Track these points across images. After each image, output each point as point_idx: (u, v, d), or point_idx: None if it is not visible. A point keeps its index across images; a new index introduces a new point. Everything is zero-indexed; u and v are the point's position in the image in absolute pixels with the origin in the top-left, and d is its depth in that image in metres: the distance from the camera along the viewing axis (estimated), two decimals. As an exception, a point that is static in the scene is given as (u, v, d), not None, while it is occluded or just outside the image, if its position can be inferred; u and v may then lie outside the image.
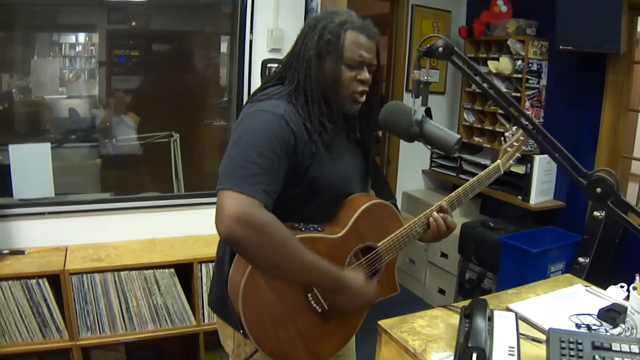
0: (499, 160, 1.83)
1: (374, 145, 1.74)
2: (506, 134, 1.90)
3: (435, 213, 1.65)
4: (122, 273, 2.64)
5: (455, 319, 1.57)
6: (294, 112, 1.46)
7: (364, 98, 1.57)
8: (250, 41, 3.11)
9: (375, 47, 1.56)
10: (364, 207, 1.55)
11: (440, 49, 1.35)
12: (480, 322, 1.35)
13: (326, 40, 1.49)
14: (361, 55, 1.51)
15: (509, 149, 1.86)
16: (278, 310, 1.43)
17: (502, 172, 1.83)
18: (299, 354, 1.49)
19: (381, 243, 1.59)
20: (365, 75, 1.53)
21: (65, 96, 4.37)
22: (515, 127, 1.88)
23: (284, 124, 1.41)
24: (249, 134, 1.39)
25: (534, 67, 3.73)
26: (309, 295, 1.47)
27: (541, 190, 3.71)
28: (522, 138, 1.86)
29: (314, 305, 1.48)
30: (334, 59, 1.49)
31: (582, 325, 1.56)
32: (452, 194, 1.71)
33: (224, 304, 1.52)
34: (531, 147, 3.68)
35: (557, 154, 1.28)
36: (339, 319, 1.55)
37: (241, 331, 1.45)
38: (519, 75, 3.76)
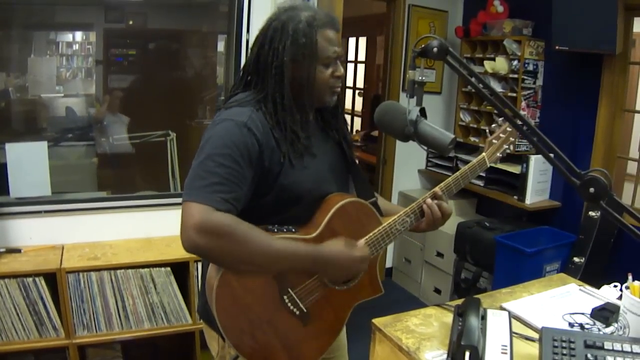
0: (484, 153, 1.78)
1: (347, 139, 1.70)
2: (492, 125, 1.86)
3: (429, 200, 1.60)
4: (118, 272, 2.64)
5: (449, 317, 1.58)
6: (260, 119, 1.43)
7: (339, 89, 1.57)
8: (247, 41, 3.11)
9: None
10: (337, 205, 1.51)
11: (435, 49, 1.36)
12: (473, 321, 1.36)
13: (301, 44, 1.46)
14: (335, 51, 1.51)
15: (495, 141, 1.80)
16: (254, 313, 1.41)
17: (488, 166, 1.78)
18: (279, 358, 1.47)
19: (359, 242, 1.55)
20: (340, 70, 1.54)
21: (62, 95, 4.37)
22: (502, 119, 1.83)
23: (245, 131, 1.38)
24: (209, 144, 1.38)
25: (530, 68, 3.74)
26: (285, 297, 1.45)
27: (537, 190, 3.72)
28: (509, 129, 1.79)
29: (291, 307, 1.46)
30: (310, 61, 1.47)
31: (575, 324, 1.57)
32: (446, 180, 1.66)
33: (208, 311, 1.50)
34: (527, 147, 3.69)
35: (550, 154, 1.29)
36: (320, 322, 1.53)
37: (221, 337, 1.44)
38: (515, 76, 3.77)
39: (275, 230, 1.45)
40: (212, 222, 1.27)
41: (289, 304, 1.46)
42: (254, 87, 1.51)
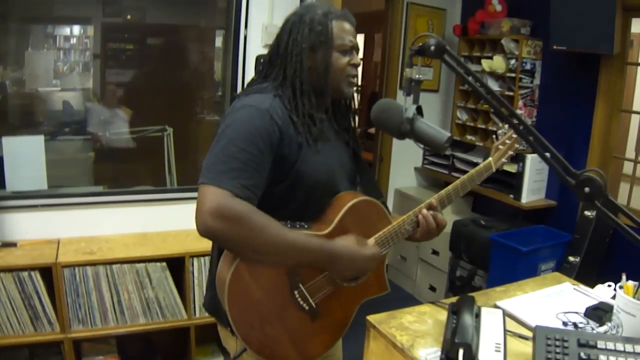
0: (490, 158, 1.82)
1: (356, 137, 1.75)
2: (499, 131, 1.89)
3: (424, 210, 1.63)
4: (114, 266, 2.64)
5: (443, 315, 1.58)
6: (280, 106, 1.47)
7: (356, 80, 1.61)
8: (245, 36, 3.12)
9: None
10: (350, 204, 1.54)
11: (432, 47, 1.35)
12: (467, 319, 1.36)
13: (317, 32, 1.52)
14: (350, 40, 1.57)
15: (500, 147, 1.85)
16: (264, 308, 1.43)
17: (494, 170, 1.82)
18: (286, 352, 1.48)
19: (369, 241, 1.58)
20: (357, 59, 1.60)
21: (59, 89, 4.36)
22: (508, 125, 1.88)
23: (268, 118, 1.42)
24: (232, 129, 1.40)
25: (528, 67, 3.74)
26: (296, 292, 1.46)
27: (533, 189, 3.73)
28: (514, 136, 1.84)
29: (301, 302, 1.48)
30: (326, 48, 1.52)
31: (569, 323, 1.57)
32: (442, 191, 1.69)
33: (217, 305, 1.52)
34: (524, 146, 3.69)
35: (546, 154, 1.30)
36: (328, 317, 1.54)
37: (229, 328, 1.45)
38: (513, 75, 3.77)
39: (289, 226, 1.47)
40: (228, 208, 1.29)
41: (299, 299, 1.47)
42: (273, 77, 1.56)
